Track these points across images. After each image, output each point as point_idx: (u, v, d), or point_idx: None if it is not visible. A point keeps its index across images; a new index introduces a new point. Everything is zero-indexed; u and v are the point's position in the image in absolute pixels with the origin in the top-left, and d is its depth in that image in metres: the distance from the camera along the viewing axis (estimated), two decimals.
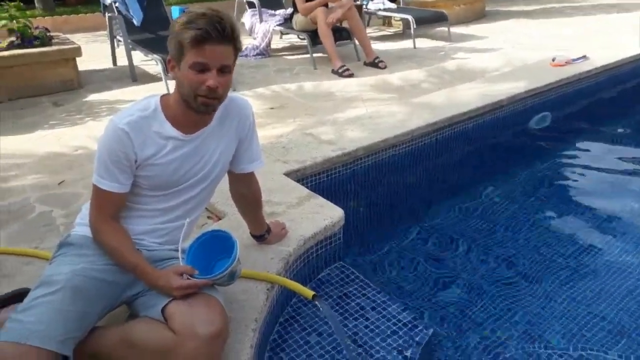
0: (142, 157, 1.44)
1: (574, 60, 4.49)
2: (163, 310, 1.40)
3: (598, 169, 3.27)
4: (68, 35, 4.91)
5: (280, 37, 6.13)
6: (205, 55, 1.35)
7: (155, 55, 4.18)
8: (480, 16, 7.69)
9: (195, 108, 1.43)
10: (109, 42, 5.10)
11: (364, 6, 6.27)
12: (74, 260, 1.44)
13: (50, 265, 1.48)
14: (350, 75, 4.65)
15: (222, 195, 2.07)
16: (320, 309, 1.59)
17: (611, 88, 4.61)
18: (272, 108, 3.87)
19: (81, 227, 1.53)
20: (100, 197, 1.46)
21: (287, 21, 5.45)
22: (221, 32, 1.35)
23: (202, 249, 1.52)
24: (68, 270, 1.39)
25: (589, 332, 1.93)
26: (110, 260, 1.46)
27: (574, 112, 4.30)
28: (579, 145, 3.63)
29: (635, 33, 5.84)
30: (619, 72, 4.68)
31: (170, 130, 1.46)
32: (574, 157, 3.44)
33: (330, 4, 4.89)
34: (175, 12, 5.22)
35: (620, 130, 3.94)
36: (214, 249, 1.52)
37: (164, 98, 1.49)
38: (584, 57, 4.58)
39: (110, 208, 1.47)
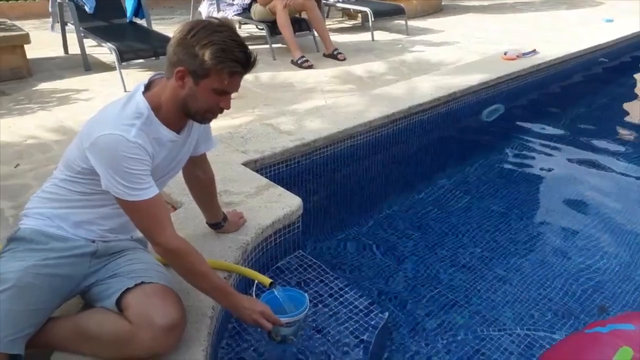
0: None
1: (524, 54, 4.64)
2: (118, 301, 1.38)
3: (547, 159, 3.41)
4: (15, 22, 4.70)
5: (239, 27, 6.06)
6: (232, 85, 1.40)
7: (109, 44, 4.06)
8: (437, 10, 7.83)
9: (197, 119, 1.48)
10: (55, 29, 4.90)
11: None
12: (25, 256, 1.38)
13: None
14: (310, 67, 4.65)
15: (177, 186, 2.06)
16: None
17: (559, 81, 4.81)
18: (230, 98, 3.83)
19: (30, 219, 1.47)
20: (154, 211, 1.37)
21: (245, 11, 5.38)
22: (252, 66, 1.39)
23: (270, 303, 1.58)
24: (19, 267, 1.34)
25: (538, 314, 2.02)
26: (62, 253, 1.41)
27: (525, 103, 4.46)
28: (529, 135, 3.77)
29: (581, 28, 6.10)
30: (567, 66, 4.87)
31: (167, 133, 1.45)
32: (525, 147, 3.57)
33: None
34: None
35: (567, 120, 4.11)
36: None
37: (151, 99, 1.41)
38: (534, 51, 4.75)
39: (168, 218, 1.40)
